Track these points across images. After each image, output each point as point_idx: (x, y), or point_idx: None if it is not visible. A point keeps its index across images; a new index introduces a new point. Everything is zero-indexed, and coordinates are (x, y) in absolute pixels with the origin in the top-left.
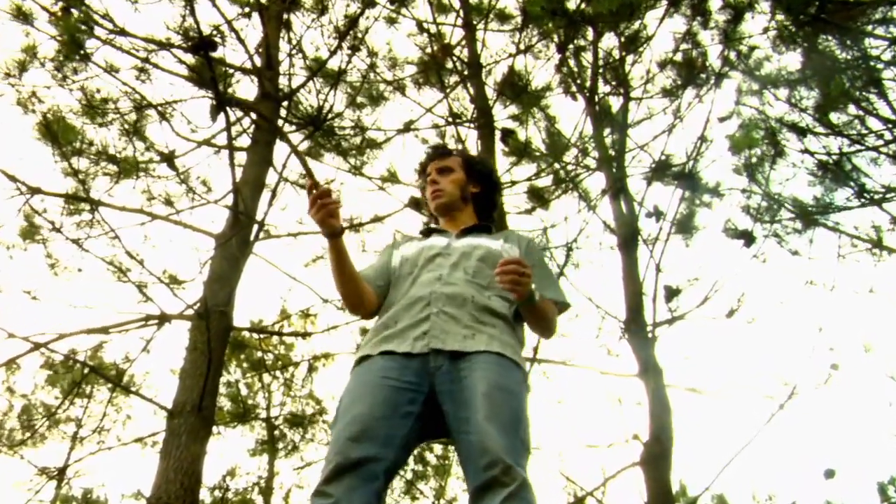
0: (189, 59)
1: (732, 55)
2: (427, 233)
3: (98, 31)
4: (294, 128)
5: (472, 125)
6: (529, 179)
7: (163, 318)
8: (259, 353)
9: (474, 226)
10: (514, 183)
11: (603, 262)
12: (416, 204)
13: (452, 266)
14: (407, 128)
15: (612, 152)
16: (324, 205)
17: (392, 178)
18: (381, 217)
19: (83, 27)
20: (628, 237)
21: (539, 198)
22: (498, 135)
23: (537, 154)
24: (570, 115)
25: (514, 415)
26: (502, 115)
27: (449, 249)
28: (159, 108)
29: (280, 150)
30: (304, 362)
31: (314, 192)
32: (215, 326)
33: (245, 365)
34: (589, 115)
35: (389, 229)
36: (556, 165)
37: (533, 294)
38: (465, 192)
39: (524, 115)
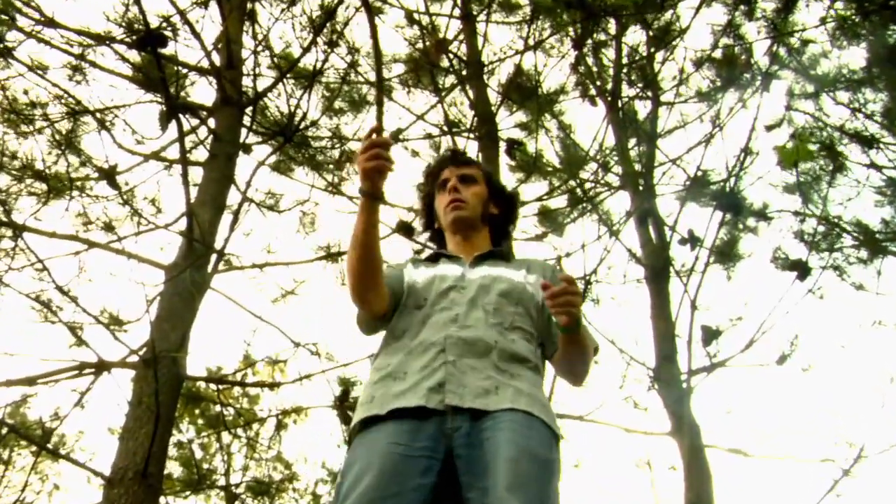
0: (134, 56)
1: (782, 51)
2: (435, 258)
3: (21, 20)
4: (260, 138)
5: (471, 135)
6: (540, 199)
7: (100, 367)
8: (217, 408)
9: (490, 252)
10: (521, 204)
11: (628, 298)
12: (405, 229)
13: (470, 304)
14: (395, 138)
15: (638, 167)
16: (379, 156)
17: None
18: None
19: (2, 16)
20: (658, 268)
21: (551, 221)
22: (503, 146)
23: (549, 169)
24: (588, 122)
25: (543, 489)
26: (507, 122)
27: (464, 282)
28: (98, 114)
29: (244, 164)
30: (272, 418)
31: (374, 137)
32: (164, 376)
33: (200, 422)
34: (611, 122)
35: None
36: (572, 182)
37: (581, 319)
38: (486, 211)
39: (534, 122)
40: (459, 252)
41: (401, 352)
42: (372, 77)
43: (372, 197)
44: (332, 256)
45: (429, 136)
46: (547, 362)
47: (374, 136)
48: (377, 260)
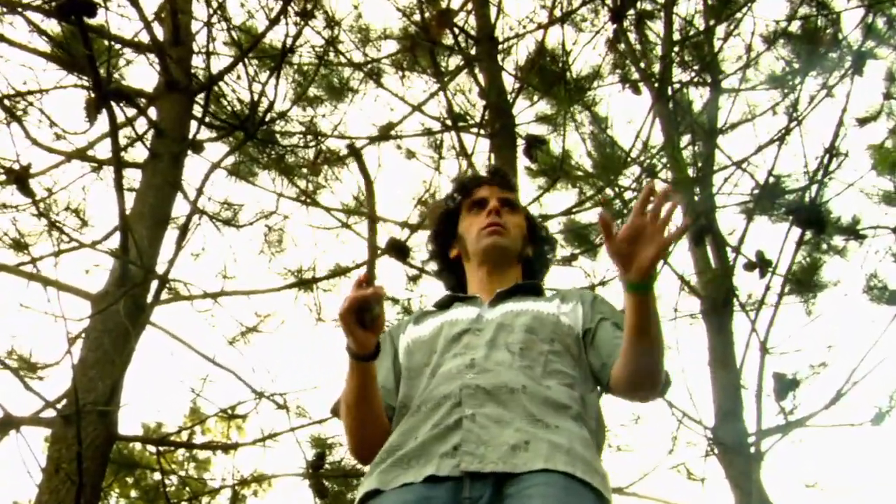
0: (53, 27)
1: (880, 23)
2: (447, 303)
3: None
4: (215, 133)
5: (481, 130)
6: (568, 212)
7: (7, 424)
8: (156, 476)
9: (516, 287)
10: (544, 218)
11: (680, 339)
12: (397, 250)
13: (488, 345)
14: (385, 134)
15: (692, 172)
16: (363, 301)
17: (361, 210)
18: (344, 269)
19: None
20: (718, 300)
21: (582, 239)
22: (521, 145)
23: (580, 174)
24: (629, 115)
25: None
26: (527, 115)
27: (480, 323)
28: (6, 101)
29: (194, 166)
30: (226, 489)
31: (362, 288)
32: (90, 435)
33: (134, 494)
34: (658, 115)
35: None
36: (609, 191)
37: (654, 276)
38: (524, 250)
39: (560, 115)
40: (481, 289)
41: (410, 413)
42: (357, 57)
43: (359, 358)
44: (304, 284)
45: (428, 132)
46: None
47: (363, 285)
48: (379, 421)
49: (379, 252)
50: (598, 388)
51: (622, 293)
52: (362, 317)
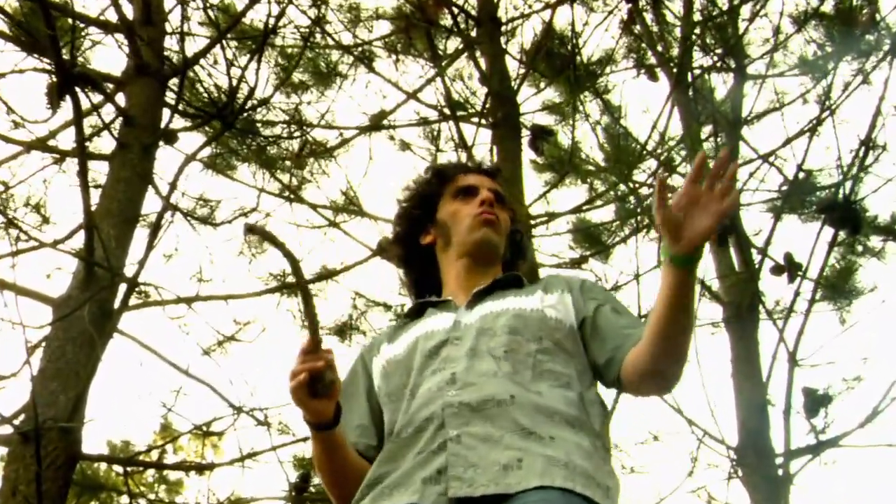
0: (10, 3)
1: None
2: (417, 312)
3: None
4: (189, 122)
5: (482, 120)
6: (578, 210)
7: None
8: (124, 499)
9: (497, 281)
10: (551, 216)
11: (700, 349)
12: (388, 250)
13: (469, 354)
14: (376, 124)
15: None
16: (315, 374)
17: (350, 206)
18: (331, 272)
19: None
20: (742, 307)
21: (593, 240)
22: (526, 136)
23: (590, 168)
24: (644, 103)
25: None
26: (533, 103)
27: (458, 331)
28: None
29: (166, 159)
30: None
31: (307, 346)
32: (50, 454)
33: None
34: (676, 104)
35: (343, 292)
36: (622, 187)
37: (701, 252)
38: (506, 249)
39: (569, 104)
40: (458, 287)
41: (390, 446)
42: (347, 39)
43: (319, 428)
44: (288, 288)
45: (424, 122)
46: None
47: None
48: (356, 475)
49: (371, 252)
50: (600, 382)
51: (662, 268)
52: (314, 387)
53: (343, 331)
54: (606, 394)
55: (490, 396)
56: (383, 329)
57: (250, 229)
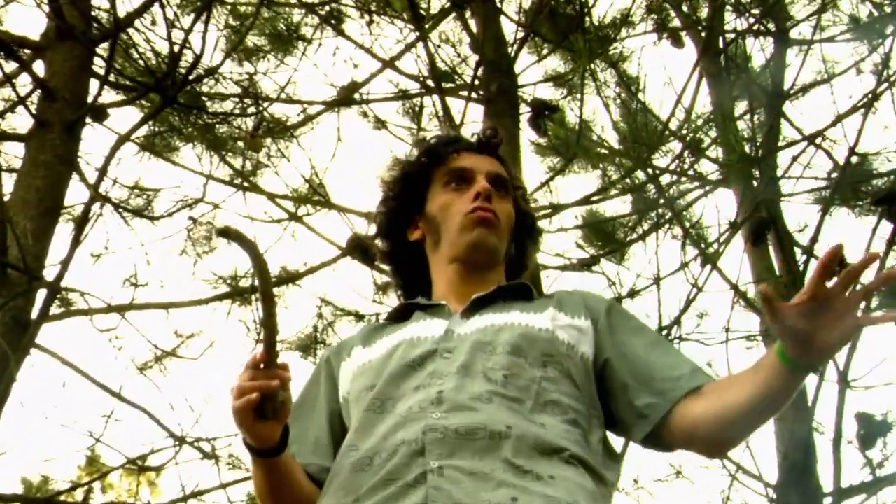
0: None
1: None
2: (404, 314)
3: None
4: (122, 96)
5: (473, 93)
6: (587, 201)
7: None
8: None
9: (499, 290)
10: (555, 208)
11: (734, 367)
12: (362, 250)
13: (461, 372)
14: (347, 97)
15: (750, 149)
16: (267, 390)
17: (315, 197)
18: (293, 275)
19: None
20: None
21: (606, 237)
22: (525, 113)
23: (602, 151)
24: (667, 73)
25: None
26: (533, 73)
27: (450, 342)
28: None
29: (94, 139)
30: None
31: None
32: None
33: None
34: (705, 74)
35: (307, 298)
36: (640, 174)
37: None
38: (509, 248)
39: (577, 74)
40: (450, 293)
41: (354, 475)
42: None
43: (263, 454)
44: (240, 294)
45: (403, 96)
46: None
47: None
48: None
49: (340, 251)
50: (621, 434)
51: (771, 355)
52: (263, 407)
53: (307, 346)
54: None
55: (482, 425)
56: (357, 330)
57: (224, 232)
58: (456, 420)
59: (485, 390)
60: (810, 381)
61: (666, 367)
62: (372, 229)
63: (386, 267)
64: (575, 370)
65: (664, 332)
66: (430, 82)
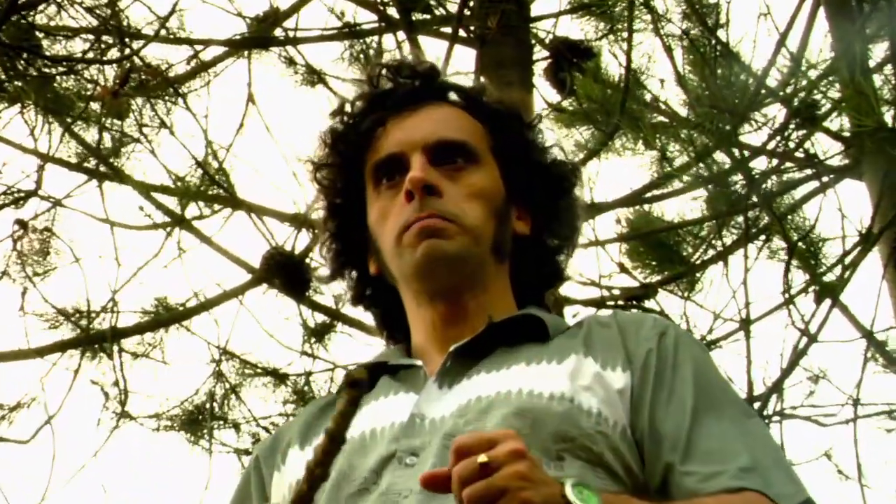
0: None
1: None
2: (375, 374)
3: None
4: None
5: (462, 31)
6: (636, 199)
7: None
8: None
9: (490, 328)
10: (591, 209)
11: (874, 452)
12: (285, 272)
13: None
14: (262, 35)
15: (891, 117)
16: None
17: (212, 190)
18: (176, 311)
19: None
20: None
21: (665, 255)
22: (542, 61)
23: (662, 120)
24: (754, 6)
25: None
26: (547, 2)
27: (413, 435)
28: None
29: None
30: None
31: None
32: None
33: None
34: (821, 4)
35: (200, 347)
36: (721, 157)
37: None
38: (504, 232)
39: (620, 5)
40: (430, 343)
41: None
42: None
43: None
44: (95, 342)
45: (350, 33)
46: None
47: None
48: None
49: (252, 275)
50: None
51: None
52: None
53: (195, 422)
54: None
55: None
56: (295, 417)
57: (354, 383)
58: None
59: None
60: None
61: (726, 439)
62: (324, 269)
63: (360, 309)
64: (610, 454)
65: (755, 405)
66: (392, 12)
